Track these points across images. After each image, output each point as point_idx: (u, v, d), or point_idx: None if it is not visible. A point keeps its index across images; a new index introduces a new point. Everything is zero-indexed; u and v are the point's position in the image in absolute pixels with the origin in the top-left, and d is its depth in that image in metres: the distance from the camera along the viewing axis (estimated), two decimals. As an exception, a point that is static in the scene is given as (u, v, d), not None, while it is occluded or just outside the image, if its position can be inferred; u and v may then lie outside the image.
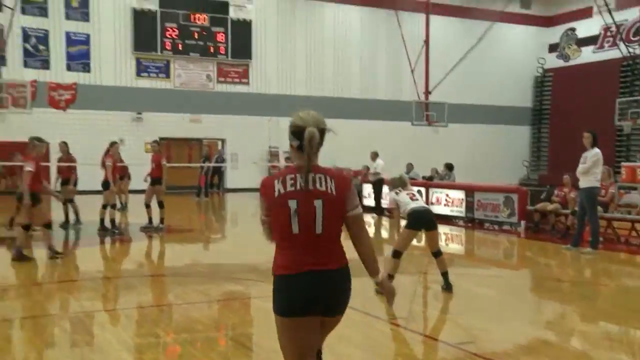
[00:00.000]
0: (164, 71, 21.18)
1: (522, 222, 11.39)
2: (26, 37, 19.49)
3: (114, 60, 20.50)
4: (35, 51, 19.66)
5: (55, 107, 19.51)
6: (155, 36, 20.75)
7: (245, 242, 9.64)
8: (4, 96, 16.86)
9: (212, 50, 21.37)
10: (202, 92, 21.46)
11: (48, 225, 8.11)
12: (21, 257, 7.69)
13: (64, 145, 11.69)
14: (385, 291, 2.56)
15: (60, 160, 11.86)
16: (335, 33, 23.30)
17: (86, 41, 20.22)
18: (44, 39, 19.71)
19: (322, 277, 2.31)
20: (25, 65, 19.43)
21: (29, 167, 7.72)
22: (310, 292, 2.30)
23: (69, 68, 20.07)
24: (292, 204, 2.30)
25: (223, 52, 21.57)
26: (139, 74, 20.88)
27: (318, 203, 2.30)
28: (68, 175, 11.52)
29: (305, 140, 2.29)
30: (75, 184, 11.75)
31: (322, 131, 2.36)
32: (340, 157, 19.05)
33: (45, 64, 19.79)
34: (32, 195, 7.66)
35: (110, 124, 19.55)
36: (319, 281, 2.30)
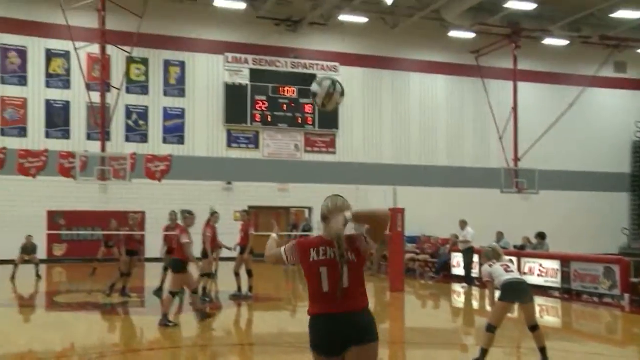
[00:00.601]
0: (254, 142, 22.03)
1: (626, 295, 10.92)
2: (129, 113, 20.85)
3: (206, 132, 21.49)
4: (136, 126, 20.90)
5: (151, 178, 20.34)
6: (245, 109, 21.74)
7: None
8: (107, 169, 18.06)
9: (299, 120, 22.24)
10: (290, 161, 22.11)
11: (195, 291, 8.61)
12: (167, 323, 8.11)
13: (174, 214, 11.87)
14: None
15: (169, 229, 11.99)
16: (421, 101, 23.81)
17: (181, 115, 21.38)
18: (144, 114, 21.01)
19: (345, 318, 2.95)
20: (127, 139, 20.70)
21: (186, 239, 8.16)
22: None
23: (164, 141, 21.16)
24: (323, 270, 2.98)
25: (310, 122, 22.40)
26: (229, 144, 21.76)
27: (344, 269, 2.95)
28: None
29: (332, 232, 2.96)
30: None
31: (347, 215, 2.98)
32: (429, 226, 19.42)
33: (144, 138, 21.01)
34: (181, 262, 8.19)
35: (202, 193, 19.74)
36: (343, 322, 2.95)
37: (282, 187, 21.51)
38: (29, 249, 15.05)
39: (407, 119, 23.52)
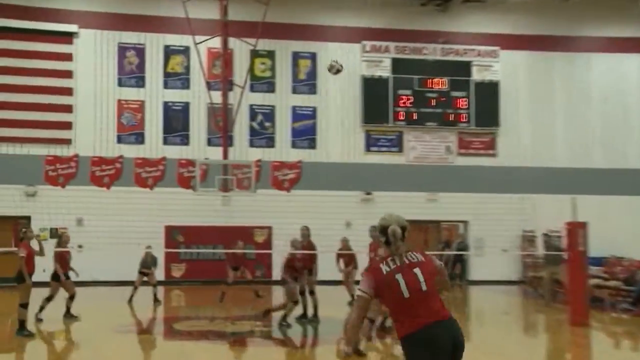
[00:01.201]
0: (396, 144, 20.75)
1: None
2: (253, 115, 20.22)
3: (341, 135, 20.51)
4: (261, 128, 20.25)
5: (278, 188, 18.76)
6: (386, 106, 20.52)
7: (495, 346, 9.14)
8: (229, 178, 17.51)
9: (451, 118, 20.67)
10: (440, 166, 20.67)
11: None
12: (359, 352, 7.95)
13: (306, 230, 11.46)
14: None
15: (300, 246, 11.49)
16: (605, 88, 21.29)
17: (312, 115, 20.47)
18: (270, 115, 20.32)
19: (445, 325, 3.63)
20: (251, 144, 20.11)
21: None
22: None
23: (293, 145, 20.31)
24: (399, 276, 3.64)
25: (465, 119, 20.75)
26: (368, 148, 20.62)
27: (417, 270, 3.66)
28: (310, 264, 11.20)
29: (390, 236, 3.71)
30: (316, 274, 11.50)
31: (404, 228, 3.74)
32: (618, 244, 17.21)
33: (270, 142, 20.29)
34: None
35: (337, 204, 18.43)
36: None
37: (431, 197, 19.57)
38: (148, 263, 15.01)
39: (587, 112, 21.14)
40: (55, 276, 11.36)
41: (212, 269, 17.61)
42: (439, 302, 3.62)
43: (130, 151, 18.75)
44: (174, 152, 19.05)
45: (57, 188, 15.98)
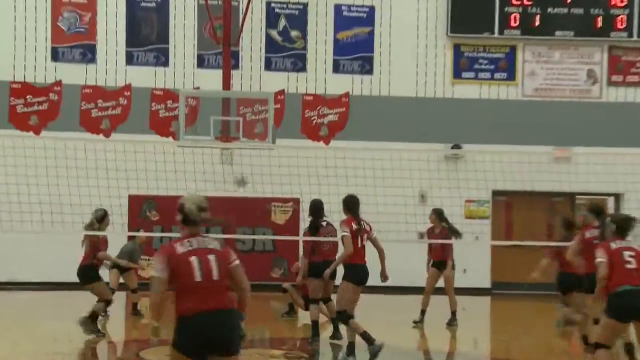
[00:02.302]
0: (506, 68, 20.30)
1: None
2: (272, 18, 19.90)
3: (413, 53, 20.12)
4: (285, 41, 19.84)
5: (312, 137, 18.02)
6: (490, 5, 19.76)
7: None
8: (233, 120, 17.43)
9: (599, 24, 19.81)
10: (577, 103, 20.26)
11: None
12: None
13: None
14: None
15: None
16: None
17: (368, 20, 19.99)
18: (299, 20, 20.04)
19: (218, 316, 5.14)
20: (268, 66, 19.79)
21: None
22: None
23: (336, 68, 19.99)
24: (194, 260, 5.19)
25: (622, 26, 19.85)
26: (458, 74, 20.30)
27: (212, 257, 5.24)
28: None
29: (187, 214, 5.40)
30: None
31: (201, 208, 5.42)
32: None
33: (299, 63, 19.83)
34: None
35: (405, 165, 17.73)
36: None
37: (560, 155, 19.58)
38: (135, 254, 15.87)
39: None
40: None
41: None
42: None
43: (74, 75, 18.33)
44: (145, 77, 18.73)
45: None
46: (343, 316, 10.41)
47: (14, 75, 17.95)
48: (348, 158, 17.66)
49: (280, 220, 19.09)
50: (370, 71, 19.96)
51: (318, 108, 18.30)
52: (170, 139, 17.18)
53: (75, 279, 14.13)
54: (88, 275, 12.68)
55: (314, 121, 18.28)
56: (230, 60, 18.99)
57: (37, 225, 16.04)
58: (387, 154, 17.81)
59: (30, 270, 18.32)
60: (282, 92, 18.03)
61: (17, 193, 16.75)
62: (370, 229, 11.05)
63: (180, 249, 5.05)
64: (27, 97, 16.75)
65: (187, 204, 5.26)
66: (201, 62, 19.58)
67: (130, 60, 19.44)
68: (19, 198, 16.60)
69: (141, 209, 19.06)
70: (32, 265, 18.26)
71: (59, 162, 16.97)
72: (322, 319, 12.86)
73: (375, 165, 17.30)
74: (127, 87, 17.81)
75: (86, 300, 13.81)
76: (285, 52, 19.87)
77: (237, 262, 5.23)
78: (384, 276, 11.30)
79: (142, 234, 17.75)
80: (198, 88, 18.17)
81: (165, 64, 19.48)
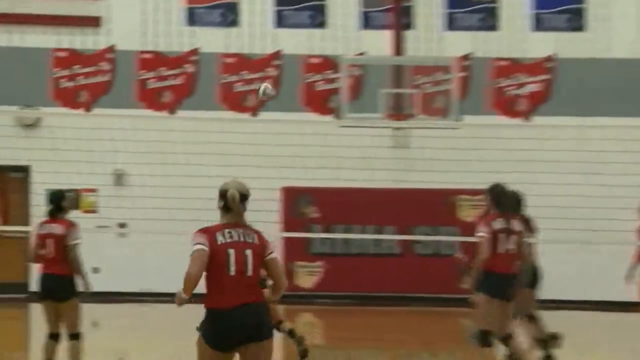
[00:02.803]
0: None
1: None
2: None
3: None
4: None
5: (507, 112, 19.08)
6: None
7: None
8: (407, 93, 17.54)
9: None
10: None
11: None
12: None
13: None
14: None
15: None
16: None
17: None
18: None
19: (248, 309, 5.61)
20: (451, 25, 19.60)
21: None
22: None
23: (539, 24, 19.66)
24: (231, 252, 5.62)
25: None
26: None
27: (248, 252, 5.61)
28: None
29: (229, 201, 5.64)
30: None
31: (243, 196, 5.68)
32: None
33: (488, 19, 19.73)
34: None
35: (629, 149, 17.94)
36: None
37: None
38: None
39: None
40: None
41: (374, 272, 18.03)
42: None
43: (213, 41, 18.78)
44: (297, 41, 19.00)
45: (76, 112, 16.71)
46: (483, 337, 10.10)
47: (142, 44, 18.27)
48: (556, 139, 17.63)
49: (468, 217, 18.29)
50: (579, 27, 19.39)
51: (513, 76, 18.66)
52: (330, 117, 17.36)
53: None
54: None
55: (509, 92, 18.66)
56: (400, 19, 18.61)
57: (180, 226, 15.74)
58: (611, 132, 17.71)
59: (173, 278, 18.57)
60: (467, 56, 18.33)
61: (142, 185, 17.52)
62: (530, 229, 10.79)
63: (220, 238, 5.48)
64: (160, 69, 17.10)
65: (230, 190, 5.59)
66: (366, 22, 19.22)
67: (280, 22, 19.31)
68: (143, 191, 17.37)
69: (295, 204, 19.06)
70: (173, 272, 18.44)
71: (192, 148, 17.38)
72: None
73: (593, 147, 17.39)
74: (276, 54, 18.06)
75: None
76: (471, 6, 19.40)
77: (274, 255, 5.67)
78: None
79: (292, 234, 18.28)
80: (363, 54, 18.12)
81: (323, 25, 19.23)
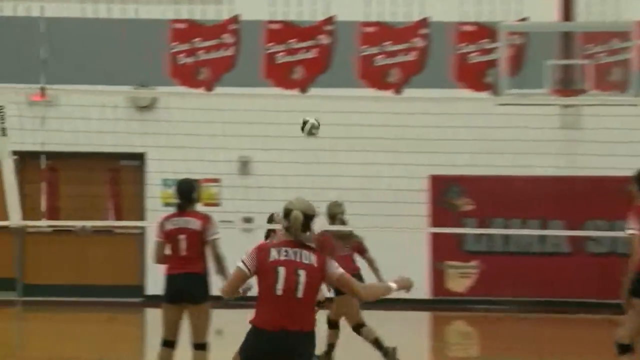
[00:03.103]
0: None
1: None
2: None
3: None
4: None
5: None
6: None
7: None
8: (578, 64, 17.09)
9: None
10: None
11: None
12: None
13: None
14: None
15: None
16: None
17: None
18: None
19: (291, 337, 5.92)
20: None
21: None
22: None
23: None
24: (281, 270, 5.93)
25: None
26: None
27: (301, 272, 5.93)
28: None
29: (291, 222, 5.97)
30: None
31: (308, 216, 6.02)
32: None
33: None
34: None
35: None
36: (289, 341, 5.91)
37: None
38: None
39: None
40: None
41: (538, 274, 18.06)
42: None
43: (350, 8, 18.76)
44: (446, 6, 18.88)
45: (196, 92, 16.35)
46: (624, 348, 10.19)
47: (270, 14, 18.44)
48: None
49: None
50: None
51: None
52: (487, 94, 16.53)
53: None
54: None
55: None
56: (570, -22, 18.02)
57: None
58: None
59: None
60: (648, 21, 16.91)
61: (270, 174, 17.64)
62: None
63: (274, 254, 5.80)
64: (290, 41, 16.75)
65: (294, 211, 5.88)
66: (527, -19, 18.69)
67: (427, -18, 18.99)
68: (271, 181, 17.42)
69: (446, 195, 19.08)
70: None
71: (326, 132, 16.64)
72: None
73: None
74: (423, 21, 16.96)
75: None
76: (653, -40, 18.62)
77: (339, 271, 5.91)
78: None
79: (442, 229, 18.06)
80: (525, 20, 17.24)
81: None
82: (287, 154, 17.30)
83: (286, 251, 5.89)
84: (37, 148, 17.56)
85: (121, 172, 19.21)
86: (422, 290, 19.70)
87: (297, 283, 5.78)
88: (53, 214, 17.89)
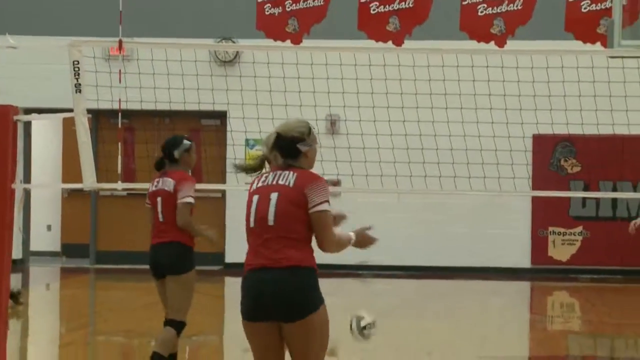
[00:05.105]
0: None
1: None
2: None
3: None
4: None
5: None
6: None
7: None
8: None
9: None
10: None
11: None
12: None
13: None
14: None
15: None
16: None
17: None
18: None
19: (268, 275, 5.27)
20: None
21: None
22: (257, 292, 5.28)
23: None
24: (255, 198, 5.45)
25: None
26: None
27: (274, 196, 5.36)
28: None
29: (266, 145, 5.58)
30: None
31: (284, 138, 5.55)
32: None
33: None
34: None
35: None
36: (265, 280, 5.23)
37: None
38: None
39: None
40: None
41: None
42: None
43: None
44: None
45: (283, 45, 16.02)
46: None
47: None
48: None
49: None
50: None
51: None
52: (599, 46, 15.76)
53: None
54: None
55: None
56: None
57: (403, 182, 15.70)
58: None
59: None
60: None
61: (360, 133, 16.86)
62: None
63: (255, 183, 5.46)
64: None
65: (280, 130, 5.62)
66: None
67: None
68: (361, 141, 16.43)
69: (551, 155, 18.96)
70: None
71: (422, 88, 16.64)
72: None
73: None
74: None
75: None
76: None
77: (321, 207, 5.31)
78: None
79: (547, 193, 17.58)
80: None
81: None
82: (380, 111, 16.65)
83: (266, 177, 5.48)
84: (113, 106, 17.05)
85: (202, 131, 18.97)
86: (523, 258, 19.42)
87: (267, 209, 5.30)
88: (129, 176, 17.61)
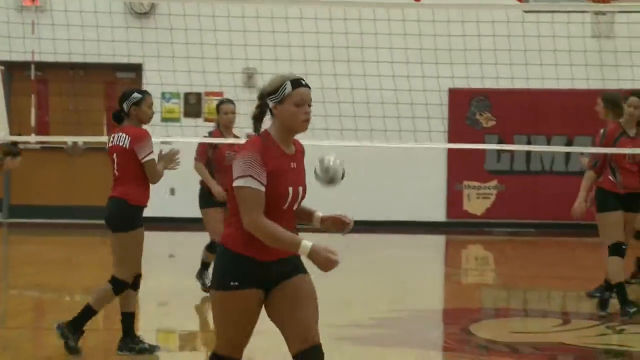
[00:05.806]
0: None
1: None
2: None
3: None
4: None
5: None
6: None
7: None
8: None
9: None
10: None
11: None
12: None
13: None
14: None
15: None
16: None
17: None
18: None
19: None
20: None
21: None
22: None
23: None
24: None
25: None
26: None
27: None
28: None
29: None
30: None
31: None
32: None
33: None
34: None
35: None
36: None
37: None
38: None
39: None
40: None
41: (563, 196, 16.42)
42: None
43: None
44: None
45: None
46: None
47: None
48: None
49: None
50: None
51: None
52: (515, 1, 16.05)
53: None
54: None
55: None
56: None
57: (335, 135, 15.98)
58: None
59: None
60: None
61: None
62: None
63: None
64: None
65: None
66: None
67: None
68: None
69: (466, 109, 18.95)
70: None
71: (339, 41, 16.79)
72: None
73: None
74: None
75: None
76: None
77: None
78: None
79: (461, 145, 17.05)
80: None
81: None
82: (297, 65, 16.20)
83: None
84: (26, 58, 16.84)
85: (116, 85, 18.67)
86: (439, 211, 19.50)
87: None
88: (42, 129, 17.35)
